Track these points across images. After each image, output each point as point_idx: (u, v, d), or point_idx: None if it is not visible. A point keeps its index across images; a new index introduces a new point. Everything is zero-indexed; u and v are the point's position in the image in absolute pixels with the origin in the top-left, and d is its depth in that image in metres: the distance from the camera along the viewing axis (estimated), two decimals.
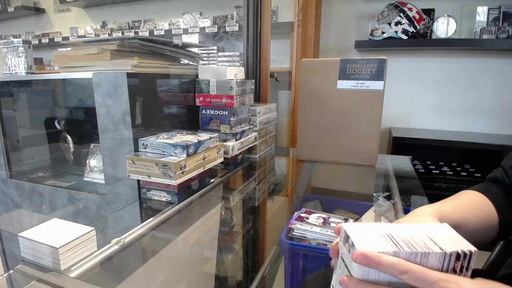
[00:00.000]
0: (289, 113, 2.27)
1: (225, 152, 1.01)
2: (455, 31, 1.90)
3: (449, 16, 1.91)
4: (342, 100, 1.11)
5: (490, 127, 2.04)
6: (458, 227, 0.42)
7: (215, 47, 2.37)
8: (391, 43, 2.01)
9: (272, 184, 1.13)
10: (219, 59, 2.34)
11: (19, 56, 1.19)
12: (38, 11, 3.34)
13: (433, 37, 1.97)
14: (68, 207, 1.10)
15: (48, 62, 3.31)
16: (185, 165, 0.78)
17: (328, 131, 1.16)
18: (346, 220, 0.67)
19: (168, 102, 1.03)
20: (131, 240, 0.64)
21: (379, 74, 1.05)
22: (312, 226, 0.63)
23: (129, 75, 0.86)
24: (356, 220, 0.74)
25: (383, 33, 1.99)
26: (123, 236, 0.64)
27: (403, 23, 1.92)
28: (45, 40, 3.20)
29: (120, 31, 2.90)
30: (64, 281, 0.50)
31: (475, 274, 0.33)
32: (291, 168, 1.33)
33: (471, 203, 0.54)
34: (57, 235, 0.54)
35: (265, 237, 0.82)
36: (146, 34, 2.69)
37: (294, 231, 0.64)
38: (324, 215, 0.68)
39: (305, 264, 0.62)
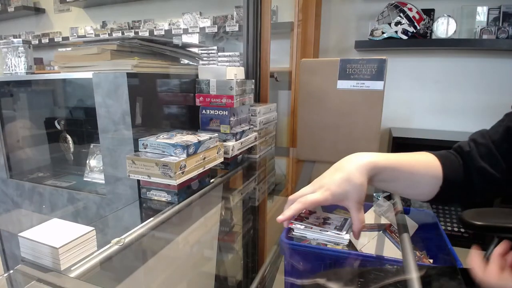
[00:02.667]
0: (289, 113, 2.27)
1: (225, 152, 1.01)
2: (455, 31, 1.90)
3: (449, 16, 1.91)
4: (342, 100, 1.11)
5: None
6: (395, 170, 0.54)
7: (215, 47, 2.37)
8: (391, 43, 2.01)
9: (272, 184, 1.13)
10: (219, 59, 2.34)
11: (19, 56, 1.19)
12: (38, 11, 3.34)
13: (433, 37, 1.97)
14: (68, 207, 1.10)
15: (48, 62, 3.31)
16: (185, 165, 0.78)
17: (328, 131, 1.16)
18: (346, 220, 0.67)
19: (168, 102, 1.03)
20: (131, 240, 0.64)
21: (379, 74, 1.05)
22: (312, 226, 0.63)
23: (129, 75, 0.86)
24: None
25: (383, 33, 1.99)
26: (123, 236, 0.63)
27: (403, 23, 1.92)
28: (45, 40, 3.20)
29: (120, 31, 2.90)
30: (64, 281, 0.50)
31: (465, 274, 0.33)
32: (291, 168, 1.33)
33: (415, 155, 0.59)
34: (57, 235, 0.54)
35: (265, 237, 0.82)
36: (146, 34, 2.69)
37: (294, 231, 0.64)
38: (324, 215, 0.68)
39: (305, 264, 0.62)
